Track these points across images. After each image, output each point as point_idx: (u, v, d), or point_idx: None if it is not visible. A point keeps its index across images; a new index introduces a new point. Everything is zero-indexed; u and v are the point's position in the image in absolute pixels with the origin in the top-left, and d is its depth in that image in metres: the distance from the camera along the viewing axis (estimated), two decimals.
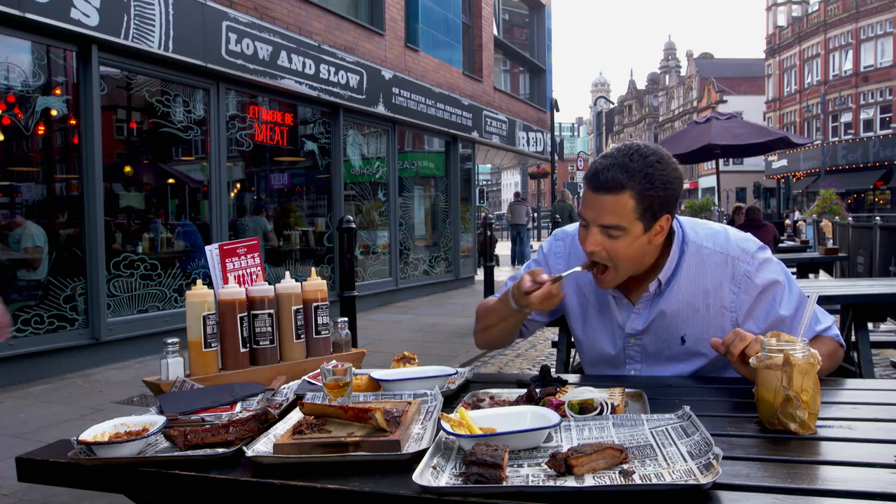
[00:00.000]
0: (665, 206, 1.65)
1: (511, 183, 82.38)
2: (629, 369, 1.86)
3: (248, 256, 1.88)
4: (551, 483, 1.03)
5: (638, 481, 1.02)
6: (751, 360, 1.36)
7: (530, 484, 1.04)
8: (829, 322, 1.78)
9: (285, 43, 8.38)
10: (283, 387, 1.66)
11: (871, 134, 34.16)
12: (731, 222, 9.95)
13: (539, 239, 30.62)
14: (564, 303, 1.93)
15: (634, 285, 1.79)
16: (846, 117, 35.81)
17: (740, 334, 1.51)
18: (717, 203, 24.65)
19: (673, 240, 1.76)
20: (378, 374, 1.67)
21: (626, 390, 1.49)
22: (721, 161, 11.23)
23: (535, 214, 32.10)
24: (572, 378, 1.71)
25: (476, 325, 2.02)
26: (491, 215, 12.12)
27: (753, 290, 1.70)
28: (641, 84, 74.87)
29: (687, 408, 1.27)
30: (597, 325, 1.88)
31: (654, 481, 1.02)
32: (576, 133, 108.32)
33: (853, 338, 3.83)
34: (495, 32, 16.13)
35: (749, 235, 1.79)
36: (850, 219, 12.16)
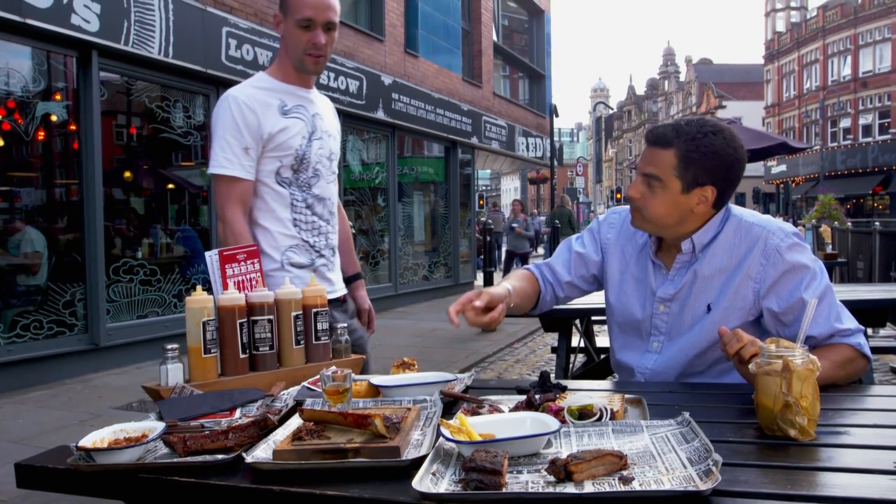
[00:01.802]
0: (708, 175, 1.73)
1: (511, 188, 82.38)
2: (652, 341, 1.90)
3: (248, 262, 1.88)
4: (551, 489, 1.03)
5: (637, 488, 1.02)
6: (750, 366, 1.36)
7: (530, 490, 1.04)
8: (850, 325, 1.72)
9: None
10: (282, 393, 1.66)
11: (869, 139, 34.21)
12: None
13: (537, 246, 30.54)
14: (604, 269, 2.03)
15: (674, 253, 1.87)
16: (845, 122, 35.88)
17: (738, 334, 1.51)
18: None
19: (718, 212, 1.84)
20: (377, 379, 1.66)
21: (626, 396, 1.49)
22: None
23: (540, 220, 32.09)
24: (572, 384, 1.71)
25: None
26: (490, 221, 12.15)
27: (781, 265, 1.73)
28: (641, 89, 75.06)
29: (686, 414, 1.27)
30: (631, 291, 1.95)
31: (654, 487, 1.02)
32: (575, 138, 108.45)
33: None
34: (495, 38, 16.17)
35: (790, 224, 1.88)
36: (849, 224, 12.17)
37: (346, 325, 1.94)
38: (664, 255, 1.91)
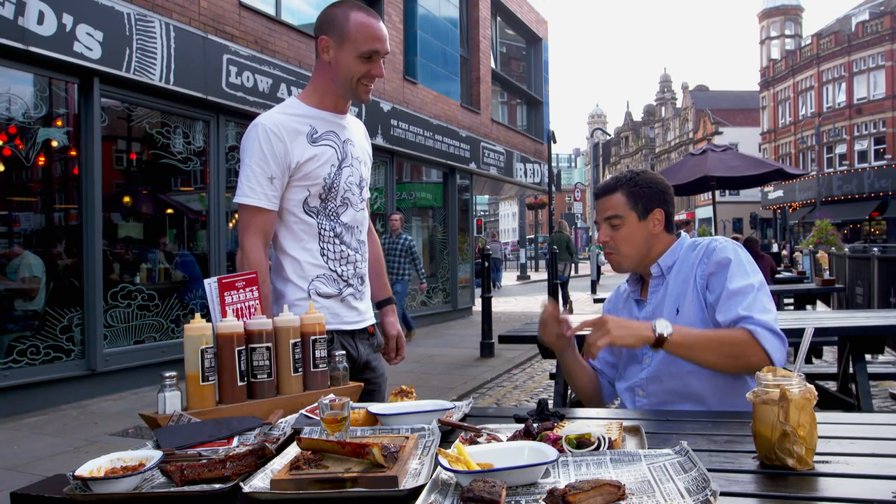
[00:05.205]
0: (654, 200, 2.11)
1: (509, 213, 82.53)
2: (643, 358, 2.12)
3: (247, 290, 1.89)
4: None
5: None
6: (747, 396, 1.36)
7: None
8: (761, 317, 1.86)
9: (285, 76, 8.48)
10: (280, 421, 1.65)
11: (865, 165, 34.44)
12: None
13: (537, 269, 30.61)
14: None
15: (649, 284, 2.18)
16: (840, 148, 36.13)
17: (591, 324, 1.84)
18: (713, 234, 24.74)
19: (676, 240, 2.17)
20: (375, 408, 1.66)
21: (624, 424, 1.49)
22: (717, 192, 11.30)
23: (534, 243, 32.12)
24: (570, 412, 1.70)
25: None
26: (489, 247, 12.15)
27: (713, 264, 2.01)
28: (638, 116, 75.55)
29: (684, 443, 1.27)
30: None
31: None
32: (573, 164, 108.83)
33: (851, 369, 3.83)
34: (493, 65, 16.33)
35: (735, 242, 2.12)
36: (846, 250, 12.19)
37: (343, 353, 1.93)
38: (644, 293, 2.21)
